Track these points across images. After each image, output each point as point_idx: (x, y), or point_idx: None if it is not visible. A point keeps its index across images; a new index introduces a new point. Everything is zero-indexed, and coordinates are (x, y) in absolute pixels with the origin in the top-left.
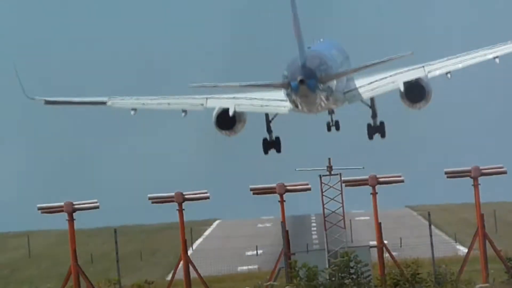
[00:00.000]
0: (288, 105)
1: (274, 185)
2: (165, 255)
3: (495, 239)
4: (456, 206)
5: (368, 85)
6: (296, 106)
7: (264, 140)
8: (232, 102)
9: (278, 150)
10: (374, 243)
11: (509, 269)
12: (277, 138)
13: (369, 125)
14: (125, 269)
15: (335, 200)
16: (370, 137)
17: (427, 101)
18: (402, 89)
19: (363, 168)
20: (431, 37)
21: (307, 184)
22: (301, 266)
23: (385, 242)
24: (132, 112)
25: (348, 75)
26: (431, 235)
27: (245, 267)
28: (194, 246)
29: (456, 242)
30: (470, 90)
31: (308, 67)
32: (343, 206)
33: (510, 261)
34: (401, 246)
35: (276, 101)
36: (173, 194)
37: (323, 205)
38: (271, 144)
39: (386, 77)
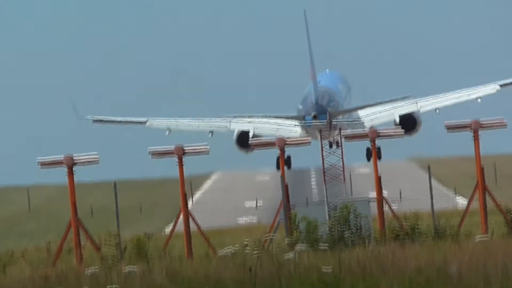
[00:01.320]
0: (298, 130)
1: (273, 139)
2: (164, 209)
3: (495, 191)
4: (456, 159)
5: (369, 116)
6: (307, 133)
7: (278, 157)
8: (251, 126)
9: (289, 167)
10: (374, 196)
11: (508, 222)
12: (289, 157)
13: (368, 149)
14: (125, 222)
15: (334, 154)
16: (368, 159)
17: (417, 130)
18: (397, 120)
19: (363, 122)
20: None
21: (307, 139)
22: (300, 219)
23: (385, 195)
24: (167, 132)
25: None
26: (431, 188)
27: (244, 220)
28: (194, 199)
29: (456, 195)
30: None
31: (320, 104)
32: (342, 159)
33: (510, 214)
34: (401, 199)
35: (289, 126)
36: (173, 147)
37: (323, 158)
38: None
39: (384, 110)
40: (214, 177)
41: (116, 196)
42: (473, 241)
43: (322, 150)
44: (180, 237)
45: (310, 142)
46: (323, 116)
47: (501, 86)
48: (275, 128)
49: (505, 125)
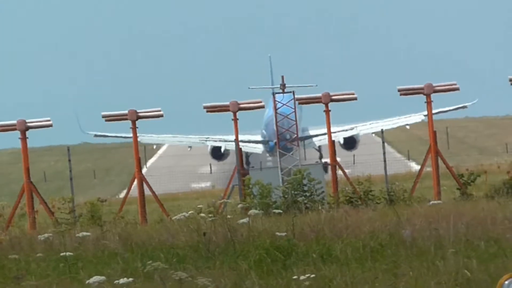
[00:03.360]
0: (261, 147)
1: (227, 103)
2: (118, 174)
3: (447, 156)
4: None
5: (318, 136)
6: (272, 155)
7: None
8: (223, 143)
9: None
10: (328, 160)
11: (461, 186)
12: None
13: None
14: (79, 188)
15: (288, 118)
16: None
17: (356, 148)
18: (342, 141)
19: (316, 85)
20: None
21: (260, 102)
22: (254, 184)
23: (338, 159)
24: (155, 147)
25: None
26: (384, 153)
27: (198, 185)
28: (148, 164)
29: (409, 160)
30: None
31: (281, 127)
32: (296, 124)
33: (462, 178)
34: (354, 164)
35: (253, 143)
36: (126, 112)
37: (277, 123)
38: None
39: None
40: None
41: (69, 161)
42: (426, 205)
43: (276, 114)
44: (134, 202)
45: (263, 106)
46: (284, 141)
47: (425, 116)
48: (243, 145)
49: (458, 89)
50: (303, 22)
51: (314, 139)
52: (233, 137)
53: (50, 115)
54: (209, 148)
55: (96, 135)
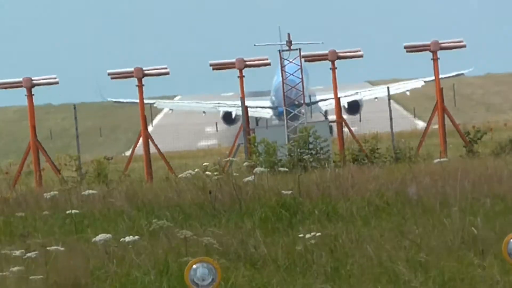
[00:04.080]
0: (271, 111)
1: (233, 60)
2: (124, 132)
3: (454, 113)
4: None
5: (325, 101)
6: (280, 119)
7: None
8: (234, 109)
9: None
10: (334, 118)
11: (467, 143)
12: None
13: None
14: (85, 145)
15: (294, 75)
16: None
17: (359, 112)
18: (346, 106)
19: (322, 43)
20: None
21: (267, 59)
22: (260, 142)
23: (345, 117)
24: (171, 112)
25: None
26: (390, 110)
27: (204, 143)
28: (154, 122)
29: (415, 117)
30: None
31: (289, 96)
32: (302, 81)
33: (468, 135)
34: (360, 121)
35: (263, 108)
36: (132, 69)
37: (283, 80)
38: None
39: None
40: (176, 99)
41: (76, 119)
42: (432, 163)
43: (282, 71)
44: (141, 160)
45: (269, 63)
46: (293, 107)
47: (425, 82)
48: (253, 110)
49: (465, 45)
50: None
51: (320, 103)
52: (246, 103)
53: (56, 72)
54: (221, 113)
55: (115, 102)
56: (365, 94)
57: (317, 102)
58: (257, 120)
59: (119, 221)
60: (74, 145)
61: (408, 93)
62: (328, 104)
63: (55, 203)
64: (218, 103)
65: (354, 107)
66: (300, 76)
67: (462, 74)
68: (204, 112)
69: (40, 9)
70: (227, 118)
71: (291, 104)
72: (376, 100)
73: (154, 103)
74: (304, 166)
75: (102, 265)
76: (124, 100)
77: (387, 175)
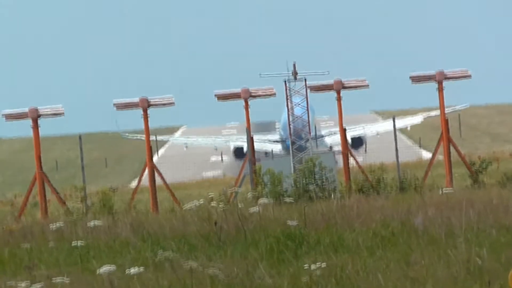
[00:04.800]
0: (279, 145)
1: (238, 90)
2: (130, 162)
3: (459, 143)
4: (421, 111)
5: (329, 136)
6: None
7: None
8: (245, 143)
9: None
10: (340, 148)
11: (473, 173)
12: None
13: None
14: (90, 176)
15: (300, 106)
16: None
17: (363, 146)
18: (349, 141)
19: (328, 73)
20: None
21: (272, 89)
22: (265, 172)
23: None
24: (185, 148)
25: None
26: (396, 141)
27: (210, 173)
28: (160, 152)
29: (420, 147)
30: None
31: (296, 130)
32: (308, 111)
33: (473, 165)
34: (366, 152)
35: (272, 142)
36: (137, 99)
37: (288, 110)
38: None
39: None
40: (180, 130)
41: (81, 150)
42: (438, 193)
43: (287, 101)
44: (146, 191)
45: (275, 93)
46: (299, 139)
47: (424, 118)
48: (262, 144)
49: (470, 76)
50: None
51: (326, 138)
52: (256, 138)
53: (62, 102)
54: (232, 148)
55: (130, 137)
56: (369, 128)
57: (322, 136)
58: (266, 154)
59: (125, 252)
60: (80, 175)
61: (409, 128)
62: (333, 138)
63: (61, 234)
64: (229, 139)
65: (358, 142)
66: (306, 106)
67: (459, 109)
68: (215, 148)
69: (45, 39)
70: (238, 152)
71: (298, 136)
72: (378, 136)
73: (169, 140)
74: (309, 197)
75: None
76: (133, 138)
77: (392, 205)
